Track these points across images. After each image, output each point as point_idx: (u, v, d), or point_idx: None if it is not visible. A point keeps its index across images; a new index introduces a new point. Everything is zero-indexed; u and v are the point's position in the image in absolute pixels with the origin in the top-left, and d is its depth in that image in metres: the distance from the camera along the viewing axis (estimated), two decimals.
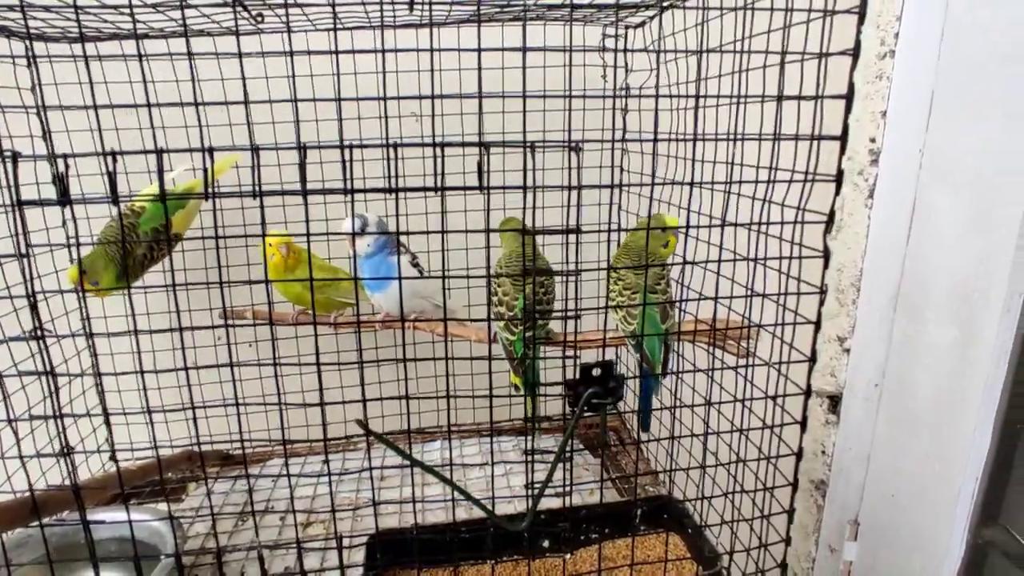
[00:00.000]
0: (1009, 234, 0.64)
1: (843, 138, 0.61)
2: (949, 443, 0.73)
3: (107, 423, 0.62)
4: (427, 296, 1.11)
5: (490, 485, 0.73)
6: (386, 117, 0.57)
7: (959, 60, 0.68)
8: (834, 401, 0.85)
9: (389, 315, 1.10)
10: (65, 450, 0.59)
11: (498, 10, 0.90)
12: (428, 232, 0.57)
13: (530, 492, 0.63)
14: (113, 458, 0.82)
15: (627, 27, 1.14)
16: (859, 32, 0.57)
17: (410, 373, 0.59)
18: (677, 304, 0.87)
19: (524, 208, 0.57)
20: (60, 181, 0.51)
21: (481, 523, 0.85)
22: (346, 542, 0.92)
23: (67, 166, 0.50)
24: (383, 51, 0.55)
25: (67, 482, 0.60)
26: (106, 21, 0.79)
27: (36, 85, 1.06)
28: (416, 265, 1.11)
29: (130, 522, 0.61)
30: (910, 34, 0.72)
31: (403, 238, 1.19)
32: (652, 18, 1.06)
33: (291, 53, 0.53)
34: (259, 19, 0.82)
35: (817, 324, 0.67)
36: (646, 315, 0.83)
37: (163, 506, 1.01)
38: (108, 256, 0.98)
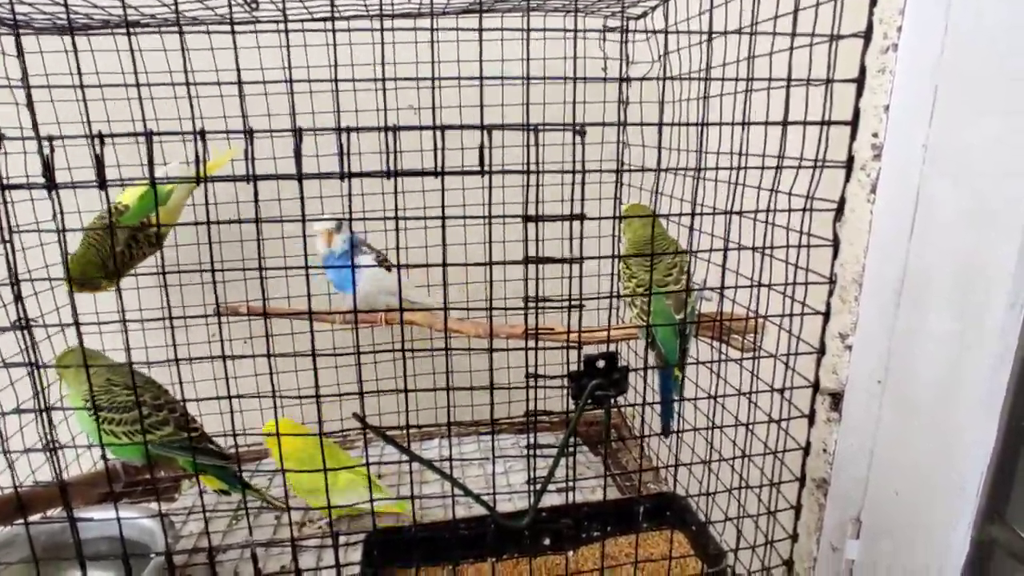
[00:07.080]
0: (1012, 227, 0.63)
1: (854, 123, 0.59)
2: (953, 439, 0.71)
3: (97, 418, 0.60)
4: (394, 293, 1.12)
5: (490, 483, 0.71)
6: (385, 109, 0.55)
7: (962, 55, 0.67)
8: (836, 398, 0.84)
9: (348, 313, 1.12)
10: (52, 445, 0.57)
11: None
12: (426, 218, 0.55)
13: (532, 488, 0.62)
14: (104, 457, 0.80)
15: (628, 17, 1.13)
16: (871, 14, 0.56)
17: (408, 370, 0.57)
18: (698, 292, 0.86)
19: (526, 197, 0.56)
20: (46, 166, 0.49)
21: (481, 521, 0.83)
22: (342, 540, 0.91)
23: (52, 149, 0.48)
24: (382, 39, 0.53)
25: (54, 479, 0.58)
26: (96, 6, 0.77)
27: (26, 75, 1.04)
28: (384, 262, 1.10)
29: (119, 519, 0.59)
30: (913, 28, 0.70)
31: (368, 238, 1.20)
32: (653, 8, 1.04)
33: (287, 31, 0.52)
34: (254, 6, 0.80)
35: (826, 315, 0.66)
36: (660, 308, 0.82)
37: (154, 505, 0.99)
38: (90, 260, 0.97)
